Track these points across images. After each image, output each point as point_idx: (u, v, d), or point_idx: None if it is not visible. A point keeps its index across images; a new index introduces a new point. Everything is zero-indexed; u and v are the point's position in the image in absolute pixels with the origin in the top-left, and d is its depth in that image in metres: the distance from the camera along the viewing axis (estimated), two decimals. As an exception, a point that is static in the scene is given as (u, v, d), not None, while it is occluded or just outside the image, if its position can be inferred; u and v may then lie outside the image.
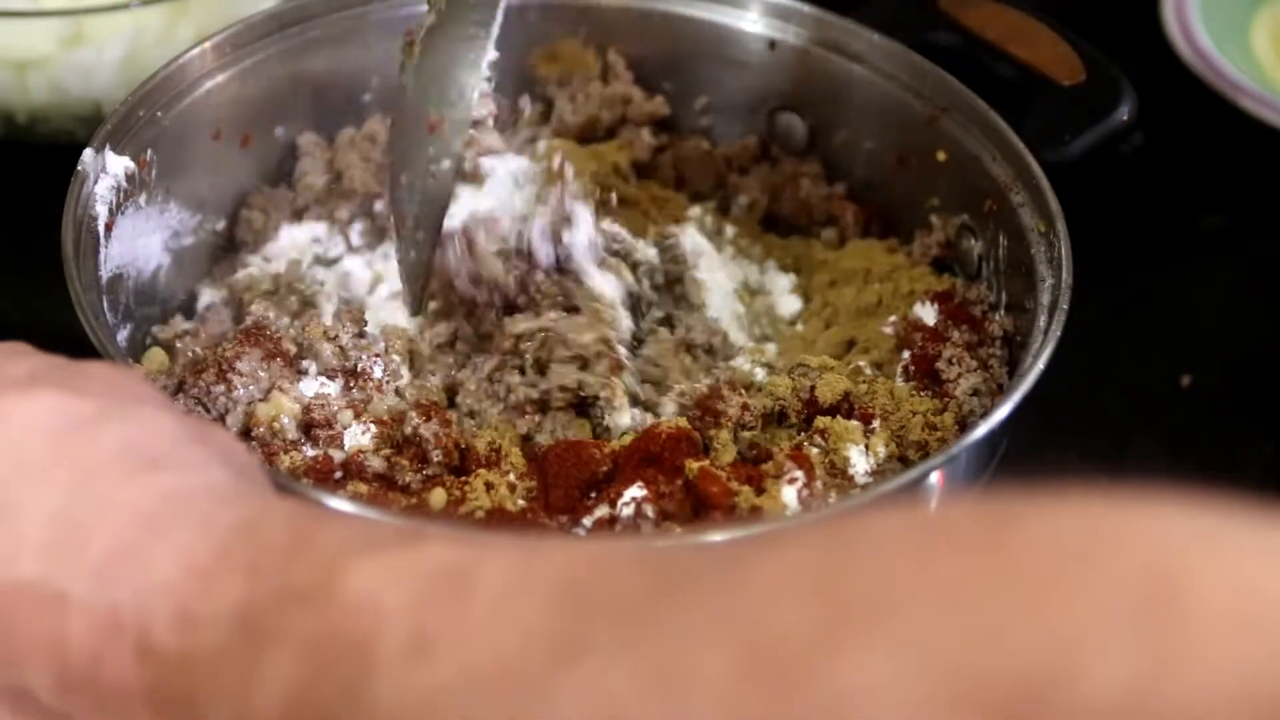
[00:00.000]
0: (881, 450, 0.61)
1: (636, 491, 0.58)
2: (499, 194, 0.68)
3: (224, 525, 0.43)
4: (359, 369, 0.64)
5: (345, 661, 0.39)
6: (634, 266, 0.68)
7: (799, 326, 0.71)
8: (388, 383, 0.64)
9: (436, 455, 0.61)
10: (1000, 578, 0.33)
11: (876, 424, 0.62)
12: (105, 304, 0.64)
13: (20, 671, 0.44)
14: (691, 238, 0.72)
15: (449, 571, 0.40)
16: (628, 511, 0.58)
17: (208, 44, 0.71)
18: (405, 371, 0.65)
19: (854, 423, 0.62)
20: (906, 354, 0.66)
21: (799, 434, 0.63)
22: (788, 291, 0.72)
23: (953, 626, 0.33)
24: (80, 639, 0.43)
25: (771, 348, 0.69)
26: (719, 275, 0.71)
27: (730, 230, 0.75)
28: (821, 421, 0.62)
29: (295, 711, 0.40)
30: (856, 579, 0.35)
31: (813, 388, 0.63)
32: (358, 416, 0.62)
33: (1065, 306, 0.62)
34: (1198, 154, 0.87)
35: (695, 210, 0.75)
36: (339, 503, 0.53)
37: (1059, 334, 0.61)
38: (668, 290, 0.69)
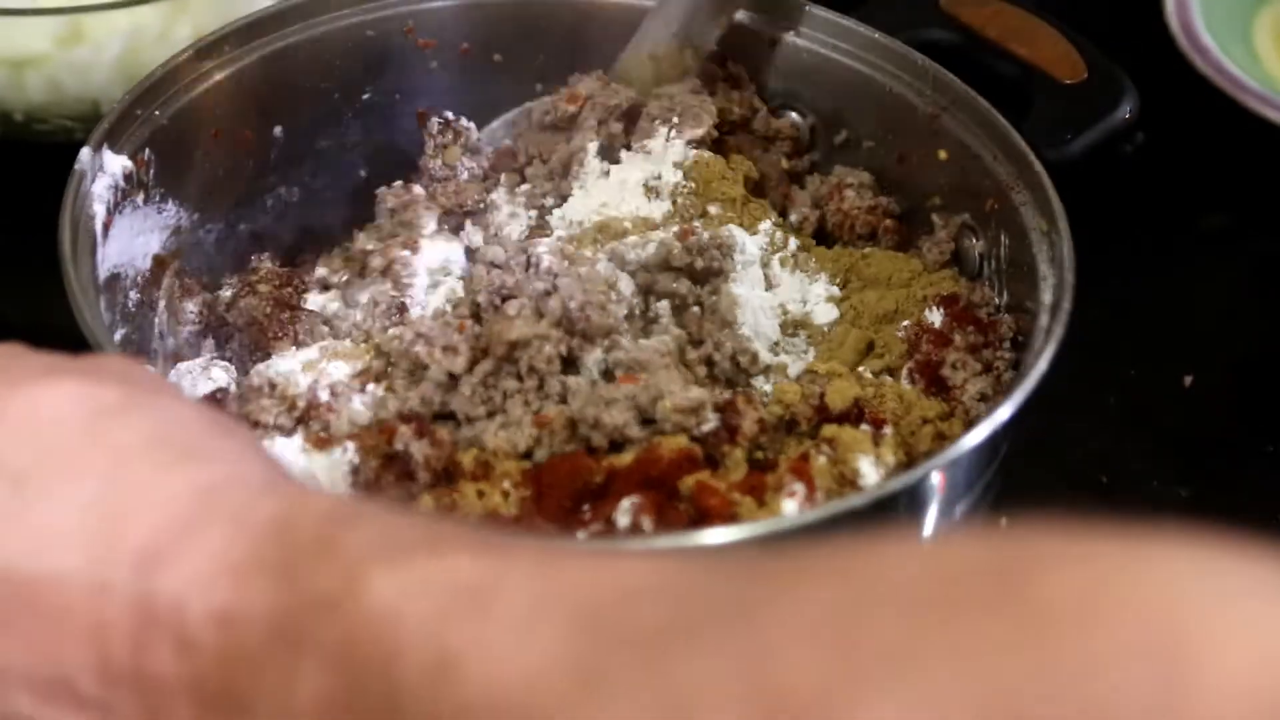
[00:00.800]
0: (890, 459, 0.61)
1: (634, 498, 0.57)
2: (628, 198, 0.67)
3: (258, 521, 0.43)
4: (309, 406, 0.62)
5: (372, 676, 0.39)
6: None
7: (832, 332, 0.70)
8: (340, 399, 0.62)
9: (424, 478, 0.59)
10: (1012, 634, 0.33)
11: (888, 430, 0.62)
12: (103, 303, 0.64)
13: (60, 661, 0.43)
14: (753, 243, 0.69)
15: (472, 585, 0.39)
16: (624, 521, 0.57)
17: (206, 42, 0.71)
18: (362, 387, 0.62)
19: (863, 431, 0.61)
20: (912, 359, 0.66)
21: (807, 441, 0.62)
22: (826, 302, 0.70)
23: (965, 684, 0.33)
24: (120, 629, 0.43)
25: (797, 365, 0.67)
26: (759, 292, 0.68)
27: (793, 243, 0.72)
28: (830, 430, 0.61)
29: (336, 716, 0.40)
30: (872, 631, 0.35)
31: (822, 394, 0.63)
32: (321, 447, 0.60)
33: (1068, 306, 0.61)
34: (1199, 153, 0.87)
35: (765, 224, 0.72)
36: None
37: (1061, 333, 0.61)
38: (691, 297, 0.66)
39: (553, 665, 0.37)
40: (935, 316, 0.67)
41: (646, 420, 0.60)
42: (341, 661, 0.40)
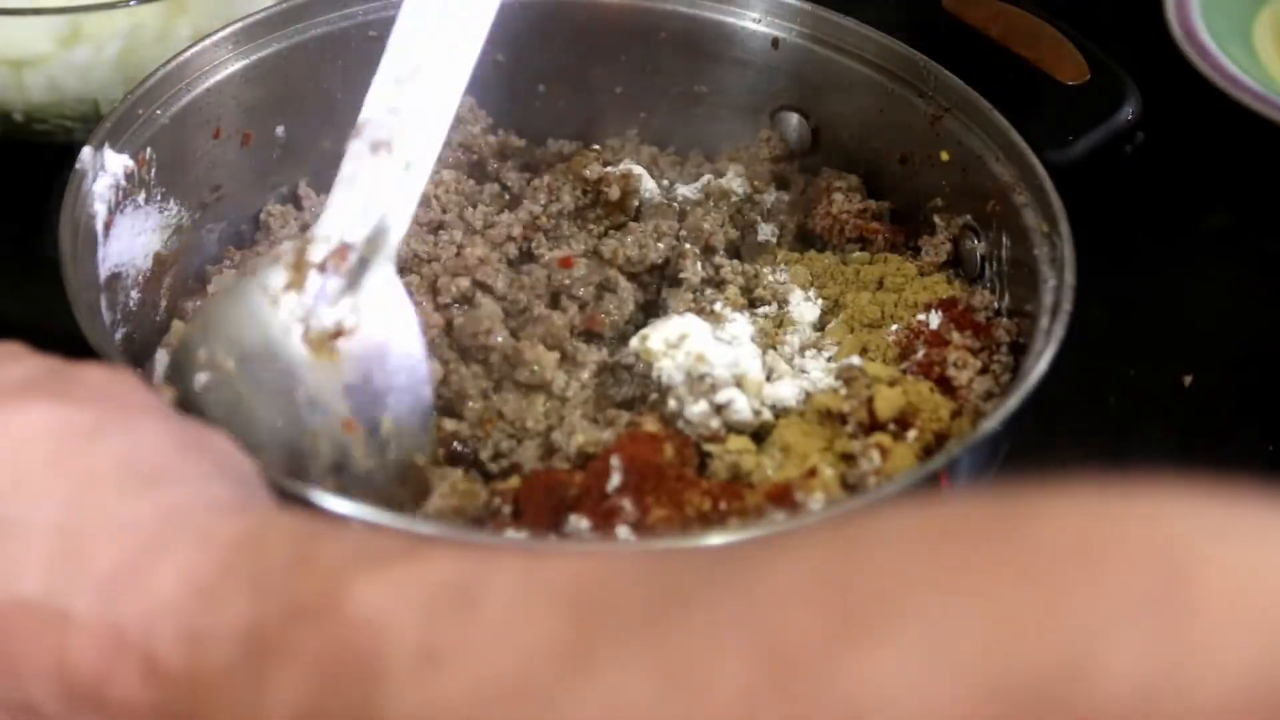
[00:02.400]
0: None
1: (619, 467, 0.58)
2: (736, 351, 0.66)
3: (225, 540, 0.43)
4: None
5: (354, 678, 0.39)
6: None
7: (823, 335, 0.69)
8: None
9: None
10: (1012, 574, 0.33)
11: (911, 433, 0.62)
12: (104, 303, 0.64)
13: (26, 689, 0.43)
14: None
15: (455, 584, 0.39)
16: (616, 480, 0.58)
17: (207, 42, 0.71)
18: None
19: (910, 443, 0.61)
20: (908, 361, 0.66)
21: (853, 440, 0.61)
22: (806, 302, 0.70)
23: (966, 625, 0.33)
24: (85, 657, 0.43)
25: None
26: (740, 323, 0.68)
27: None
28: (882, 439, 0.61)
29: None
30: (869, 578, 0.35)
31: (870, 399, 0.62)
32: None
33: (1068, 307, 0.61)
34: (1200, 153, 0.87)
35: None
36: (339, 505, 0.52)
37: (1061, 335, 0.61)
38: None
39: (542, 652, 0.37)
40: (933, 319, 0.67)
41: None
42: (320, 667, 0.40)
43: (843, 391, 0.63)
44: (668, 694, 0.35)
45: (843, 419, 0.62)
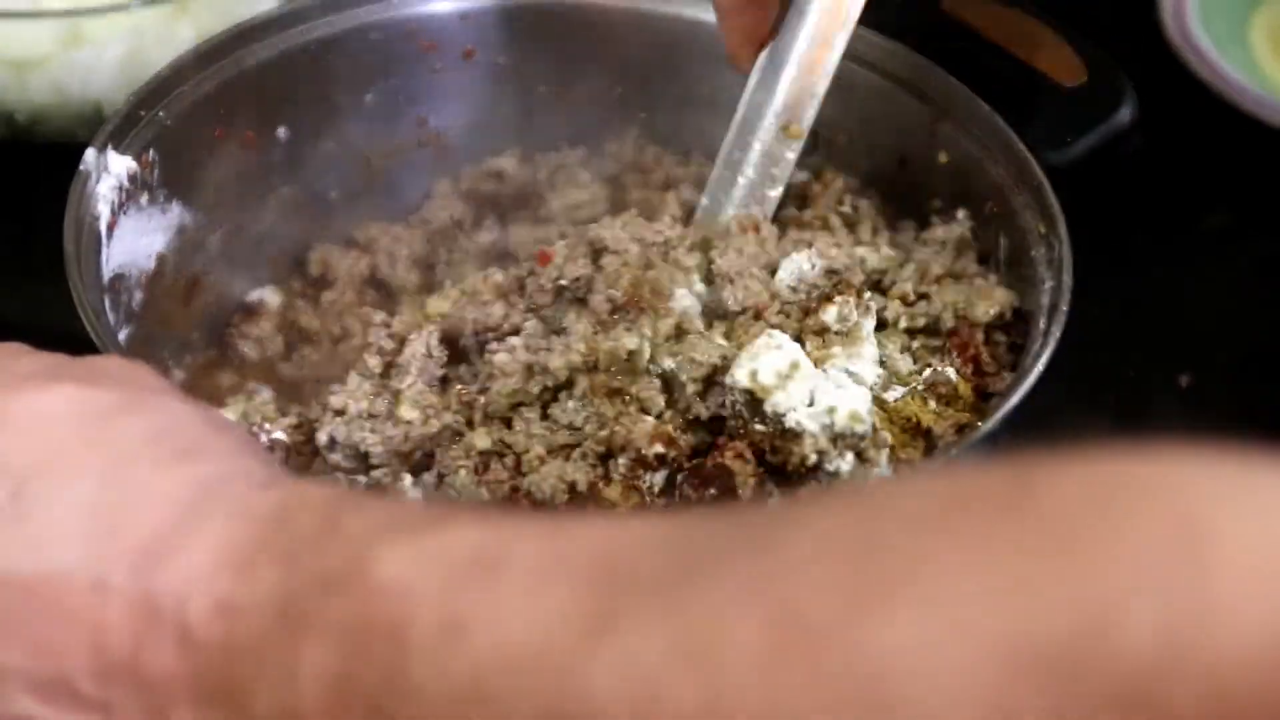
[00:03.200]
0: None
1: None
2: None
3: (259, 512, 0.43)
4: None
5: (380, 647, 0.39)
6: None
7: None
8: None
9: None
10: (1029, 535, 0.33)
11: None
12: (107, 304, 0.64)
13: (60, 661, 0.43)
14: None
15: (479, 553, 0.40)
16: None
17: (209, 44, 0.71)
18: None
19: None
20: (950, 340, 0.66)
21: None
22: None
23: (985, 587, 0.33)
24: (120, 628, 0.43)
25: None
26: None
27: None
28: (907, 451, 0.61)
29: (338, 699, 0.40)
30: (886, 544, 0.35)
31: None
32: None
33: (1065, 309, 0.62)
34: (1197, 154, 0.87)
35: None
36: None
37: (1058, 335, 0.61)
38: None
39: (564, 619, 0.37)
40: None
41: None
42: (349, 637, 0.40)
43: (933, 406, 0.63)
44: (685, 660, 0.35)
45: (927, 433, 0.61)
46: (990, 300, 0.66)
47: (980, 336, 0.65)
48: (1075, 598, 0.32)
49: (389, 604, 0.39)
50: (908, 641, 0.33)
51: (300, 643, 0.40)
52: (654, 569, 0.37)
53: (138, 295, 0.68)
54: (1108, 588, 0.32)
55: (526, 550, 0.39)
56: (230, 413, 0.64)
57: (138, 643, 0.43)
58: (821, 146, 0.76)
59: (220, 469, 0.45)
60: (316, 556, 0.41)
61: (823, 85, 0.68)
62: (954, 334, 0.65)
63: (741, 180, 0.70)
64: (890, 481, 0.38)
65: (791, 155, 0.69)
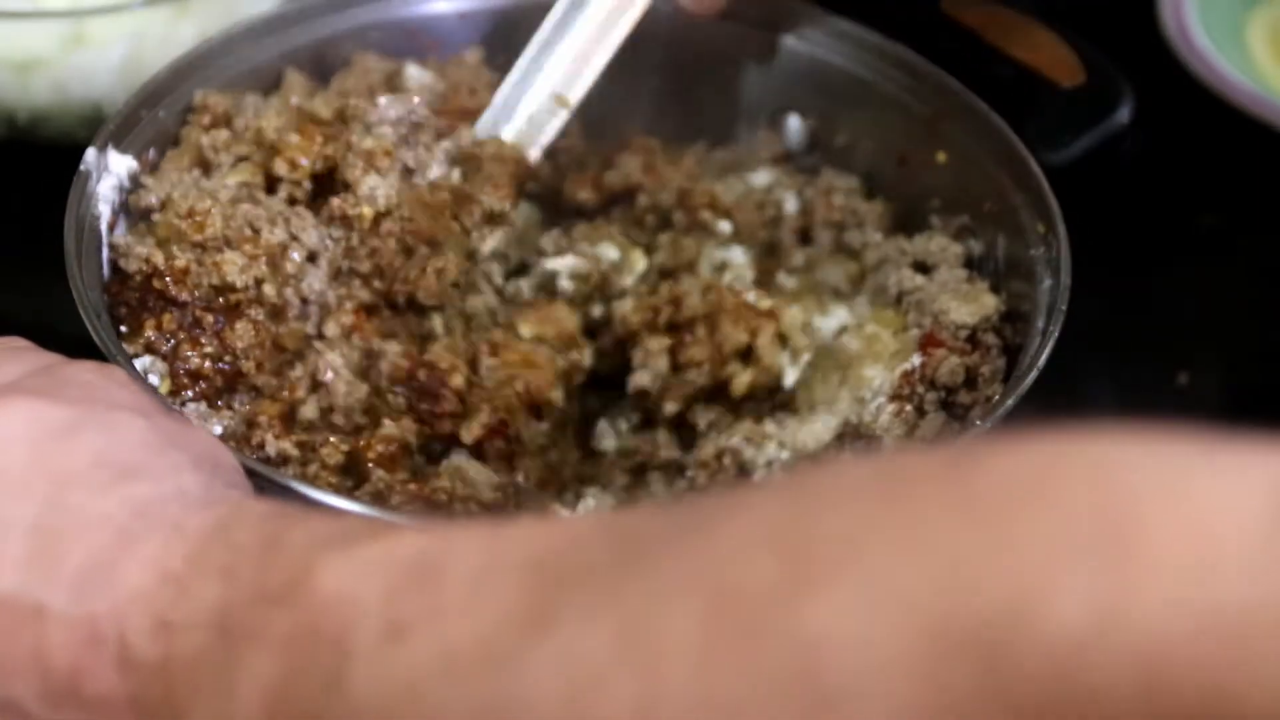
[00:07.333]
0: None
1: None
2: None
3: (195, 530, 0.44)
4: None
5: (322, 656, 0.39)
6: None
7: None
8: None
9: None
10: (959, 517, 0.33)
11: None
12: (107, 303, 0.64)
13: (7, 686, 0.44)
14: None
15: (420, 559, 0.40)
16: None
17: (210, 44, 0.71)
18: None
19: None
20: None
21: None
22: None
23: (915, 567, 0.33)
24: (61, 652, 0.43)
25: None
26: None
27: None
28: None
29: (276, 709, 0.40)
30: (819, 527, 0.35)
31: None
32: None
33: (1063, 308, 0.62)
34: (1195, 154, 0.87)
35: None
36: (313, 492, 0.54)
37: (1056, 335, 0.61)
38: None
39: (505, 618, 0.37)
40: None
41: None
42: (290, 646, 0.40)
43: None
44: (624, 651, 0.35)
45: None
46: (976, 304, 0.66)
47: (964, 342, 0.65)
48: (1000, 578, 0.32)
49: (331, 613, 0.40)
50: (837, 622, 0.33)
51: (240, 656, 0.41)
52: (593, 562, 0.38)
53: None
54: (1032, 568, 0.32)
55: (466, 552, 0.40)
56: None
57: (79, 666, 0.43)
58: (821, 146, 0.76)
59: (158, 489, 0.46)
60: (257, 570, 0.42)
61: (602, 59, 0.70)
62: (929, 337, 0.65)
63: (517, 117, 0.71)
64: (828, 466, 0.38)
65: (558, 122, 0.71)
